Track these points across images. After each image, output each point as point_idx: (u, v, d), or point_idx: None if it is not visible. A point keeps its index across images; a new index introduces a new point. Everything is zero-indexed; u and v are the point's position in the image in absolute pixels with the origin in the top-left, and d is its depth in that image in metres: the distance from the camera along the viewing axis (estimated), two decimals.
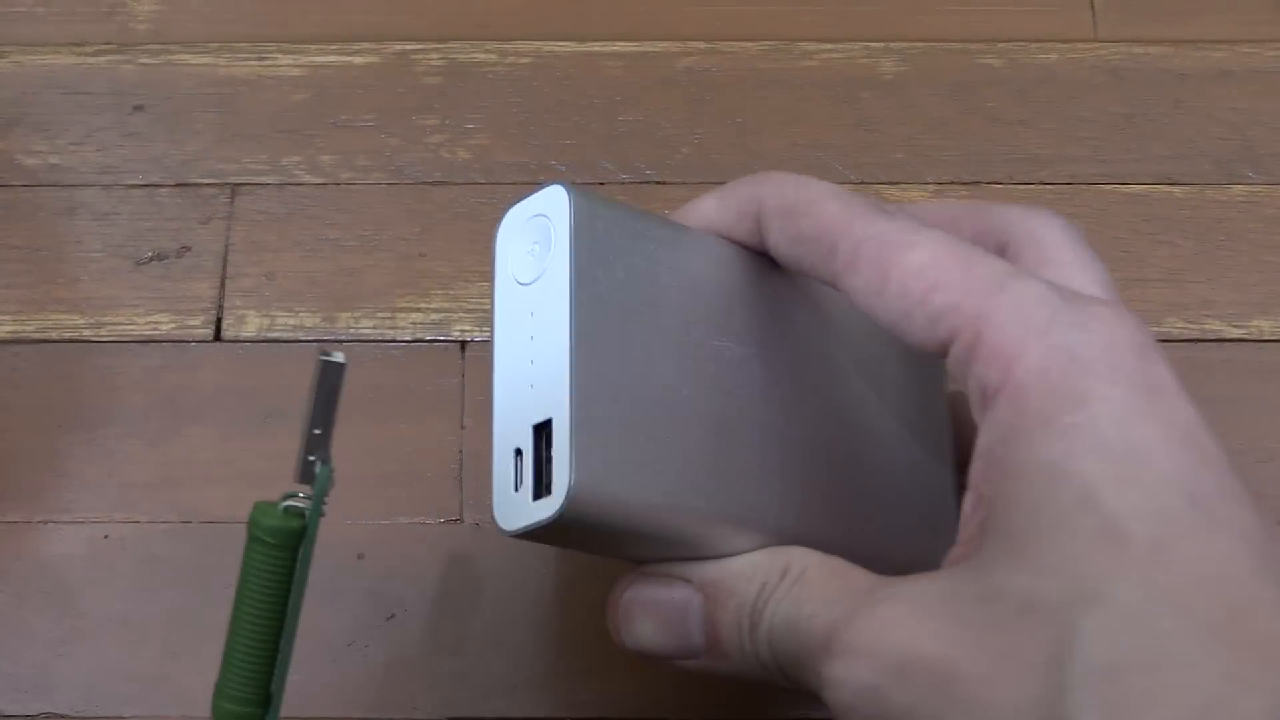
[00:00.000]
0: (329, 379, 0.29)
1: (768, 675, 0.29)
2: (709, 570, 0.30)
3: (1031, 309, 0.26)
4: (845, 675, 0.26)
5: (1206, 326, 0.44)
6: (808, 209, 0.28)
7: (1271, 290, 0.44)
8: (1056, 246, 0.29)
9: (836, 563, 0.29)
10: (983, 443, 0.26)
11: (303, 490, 0.30)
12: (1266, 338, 0.44)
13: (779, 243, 0.29)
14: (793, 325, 0.32)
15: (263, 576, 0.30)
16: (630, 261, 0.31)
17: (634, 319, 0.30)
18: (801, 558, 0.29)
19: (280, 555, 0.30)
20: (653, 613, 0.30)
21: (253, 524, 0.30)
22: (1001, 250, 0.30)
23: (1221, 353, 0.43)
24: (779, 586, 0.28)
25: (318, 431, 0.30)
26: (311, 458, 0.30)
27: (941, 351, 0.27)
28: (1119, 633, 0.23)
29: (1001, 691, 0.23)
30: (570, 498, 0.29)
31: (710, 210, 0.31)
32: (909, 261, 0.27)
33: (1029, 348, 0.25)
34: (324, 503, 0.30)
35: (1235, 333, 0.44)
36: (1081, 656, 0.22)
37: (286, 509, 0.30)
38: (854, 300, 0.28)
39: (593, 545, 0.31)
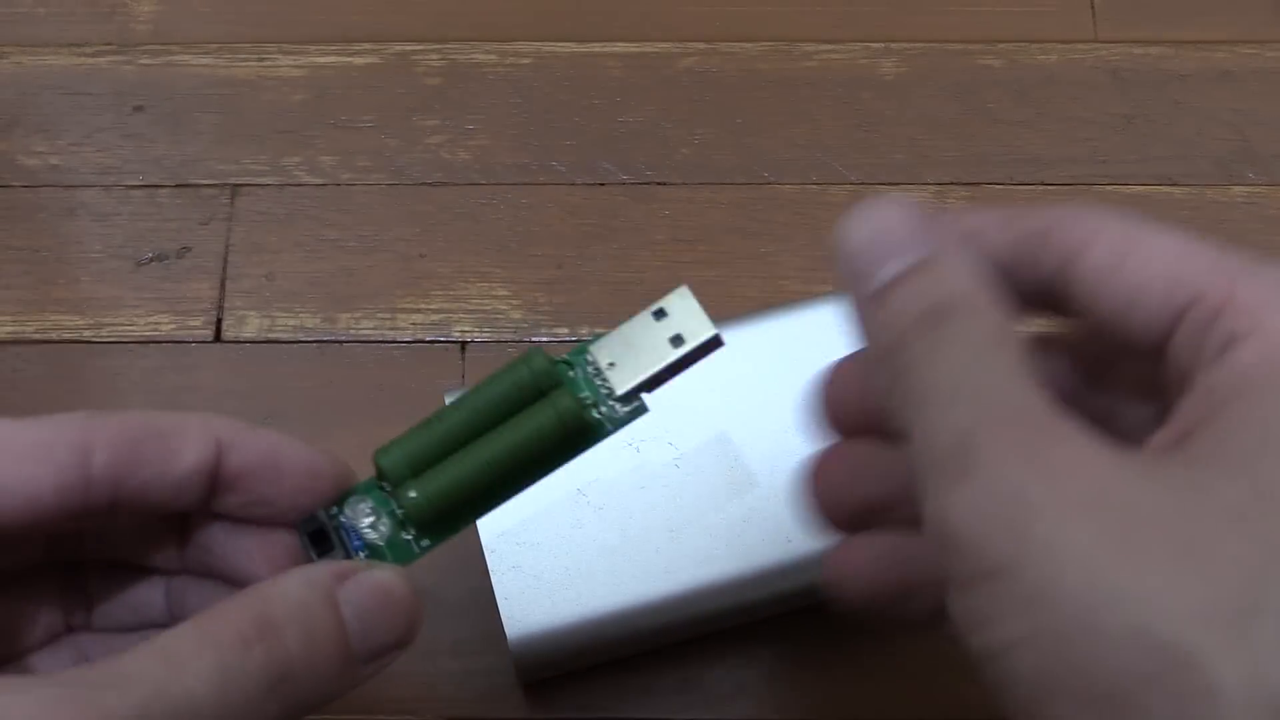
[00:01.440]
0: (705, 349, 0.30)
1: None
2: None
3: (1277, 279, 0.26)
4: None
5: None
6: (1029, 215, 0.29)
7: None
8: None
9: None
10: (1218, 373, 0.26)
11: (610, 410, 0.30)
12: None
13: (1002, 241, 0.29)
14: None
15: (497, 397, 0.29)
16: None
17: None
18: None
19: (521, 394, 0.29)
20: None
21: (529, 356, 0.30)
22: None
23: None
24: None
25: (658, 375, 0.30)
26: (639, 390, 0.30)
27: (1170, 323, 0.27)
28: None
29: (1195, 574, 0.23)
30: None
31: (908, 219, 0.30)
32: (1154, 242, 0.27)
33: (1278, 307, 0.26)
34: (620, 423, 0.30)
35: None
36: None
37: (561, 362, 0.30)
38: (1076, 284, 0.28)
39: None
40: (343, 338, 0.43)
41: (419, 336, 0.43)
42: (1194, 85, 0.48)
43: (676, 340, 0.29)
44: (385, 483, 0.30)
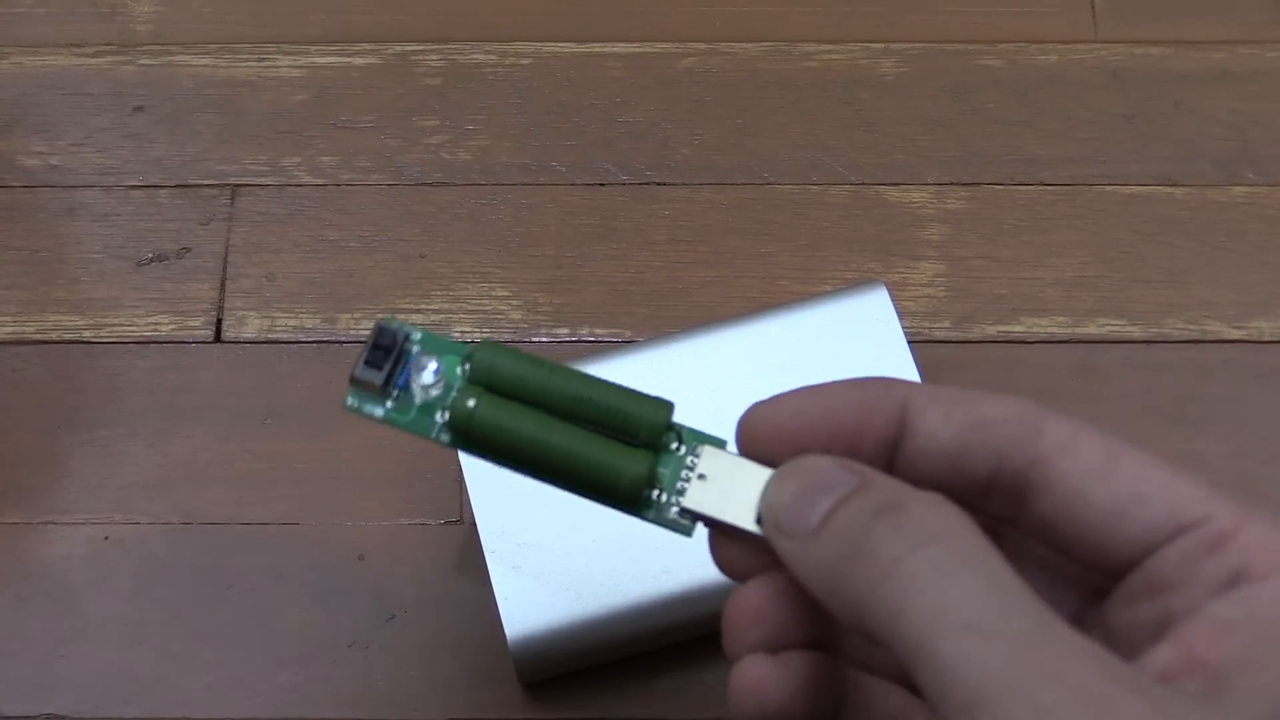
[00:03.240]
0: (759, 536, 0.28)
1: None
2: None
3: None
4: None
5: (1206, 327, 0.44)
6: (985, 398, 0.27)
7: (1271, 291, 0.44)
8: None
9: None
10: (1232, 608, 0.25)
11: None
12: (1266, 338, 0.44)
13: (940, 428, 0.27)
14: None
15: (605, 405, 0.28)
16: None
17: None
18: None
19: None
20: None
21: (662, 404, 0.28)
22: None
23: (1221, 353, 0.43)
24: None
25: (722, 525, 0.28)
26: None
27: (1163, 540, 0.26)
28: None
29: None
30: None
31: (832, 395, 0.28)
32: (1140, 454, 0.26)
33: None
34: (661, 522, 0.28)
35: (1235, 333, 0.44)
36: None
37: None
38: (1054, 485, 0.26)
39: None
40: (343, 338, 0.43)
41: None
42: (1194, 85, 0.48)
43: (760, 520, 0.27)
44: (465, 365, 0.28)
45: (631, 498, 0.28)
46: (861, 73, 0.48)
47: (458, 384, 0.28)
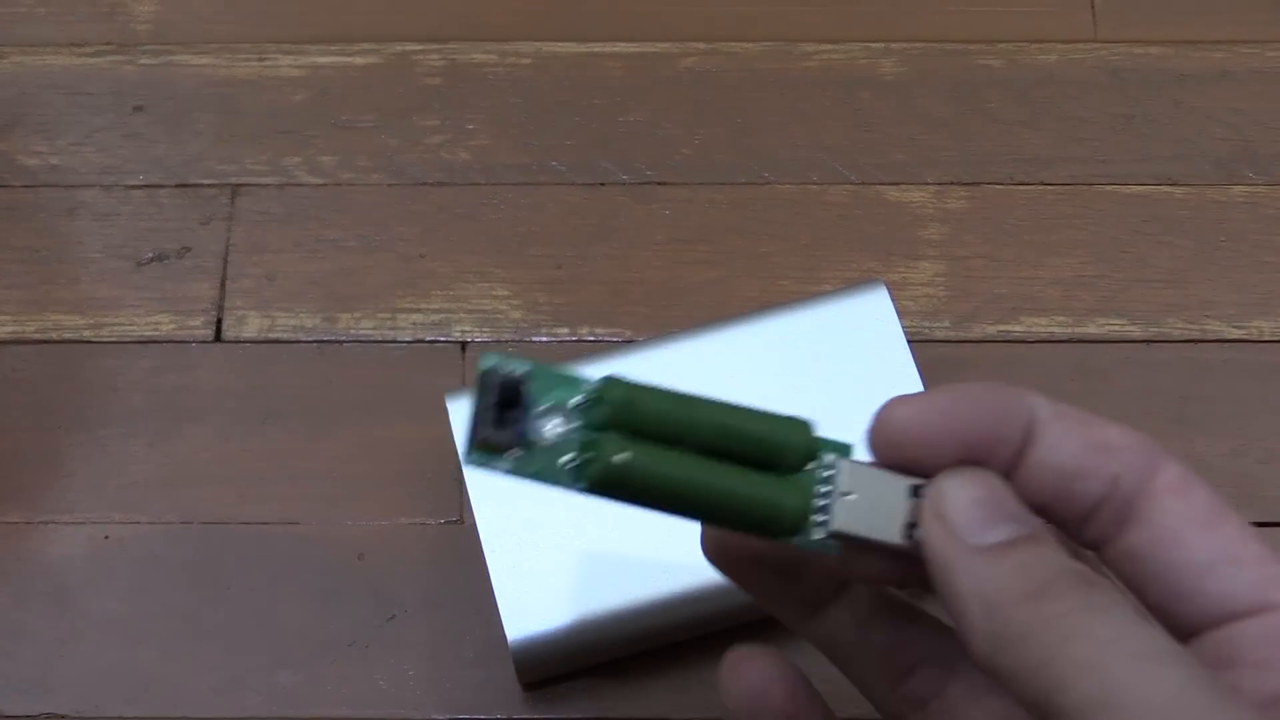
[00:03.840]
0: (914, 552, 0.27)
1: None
2: None
3: None
4: None
5: (1206, 326, 0.44)
6: (1104, 423, 0.27)
7: (1271, 290, 0.44)
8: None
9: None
10: None
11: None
12: (1266, 338, 0.44)
13: (1063, 444, 0.26)
14: None
15: (749, 434, 0.27)
16: None
17: None
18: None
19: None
20: None
21: (802, 424, 0.27)
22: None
23: (1221, 353, 0.43)
24: None
25: (869, 542, 0.27)
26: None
27: (1244, 611, 0.25)
28: None
29: None
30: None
31: (969, 398, 0.27)
32: (1242, 521, 0.26)
33: None
34: (809, 545, 0.27)
35: (1235, 333, 0.44)
36: None
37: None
38: (1158, 521, 0.26)
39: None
40: (343, 338, 0.43)
41: (419, 336, 0.43)
42: (1194, 85, 0.48)
43: (910, 528, 0.26)
44: (592, 410, 0.26)
45: (792, 530, 0.26)
46: (861, 73, 0.48)
47: (587, 423, 0.26)
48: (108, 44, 0.48)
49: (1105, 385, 0.43)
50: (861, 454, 0.27)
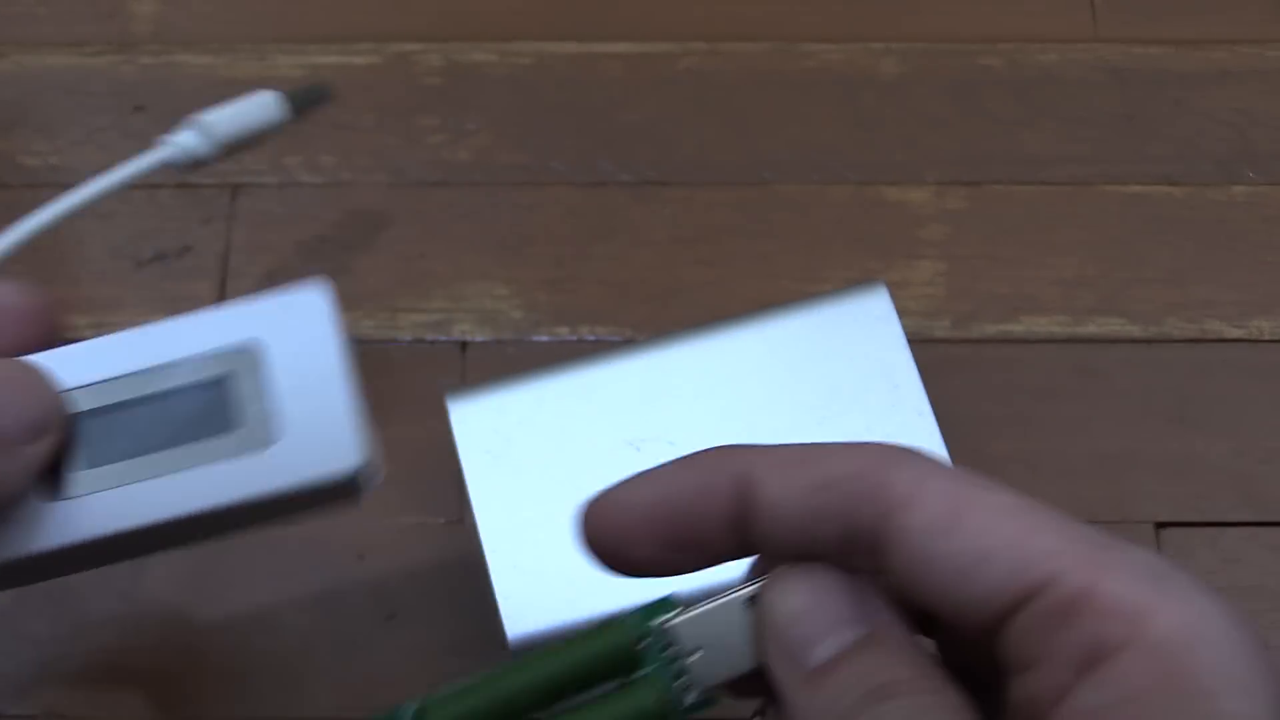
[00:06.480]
0: None
1: None
2: None
3: (1144, 571, 0.23)
4: None
5: (1206, 326, 0.44)
6: (829, 454, 0.25)
7: (1271, 290, 0.44)
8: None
9: None
10: (1097, 693, 0.23)
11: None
12: (1266, 338, 0.44)
13: (787, 495, 0.25)
14: None
15: (568, 670, 0.26)
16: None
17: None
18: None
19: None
20: None
21: (616, 625, 0.26)
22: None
23: (1222, 353, 0.43)
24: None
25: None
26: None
27: (1012, 604, 0.23)
28: None
29: None
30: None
31: (661, 481, 0.26)
32: (989, 502, 0.24)
33: (1160, 610, 0.23)
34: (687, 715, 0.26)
35: (1235, 333, 0.44)
36: None
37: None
38: (899, 544, 0.24)
39: None
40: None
41: (419, 336, 0.43)
42: (1194, 85, 0.48)
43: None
44: None
45: (672, 713, 0.25)
46: (861, 73, 0.48)
47: None
48: (108, 44, 0.48)
49: (1105, 385, 0.43)
50: (682, 596, 0.26)
